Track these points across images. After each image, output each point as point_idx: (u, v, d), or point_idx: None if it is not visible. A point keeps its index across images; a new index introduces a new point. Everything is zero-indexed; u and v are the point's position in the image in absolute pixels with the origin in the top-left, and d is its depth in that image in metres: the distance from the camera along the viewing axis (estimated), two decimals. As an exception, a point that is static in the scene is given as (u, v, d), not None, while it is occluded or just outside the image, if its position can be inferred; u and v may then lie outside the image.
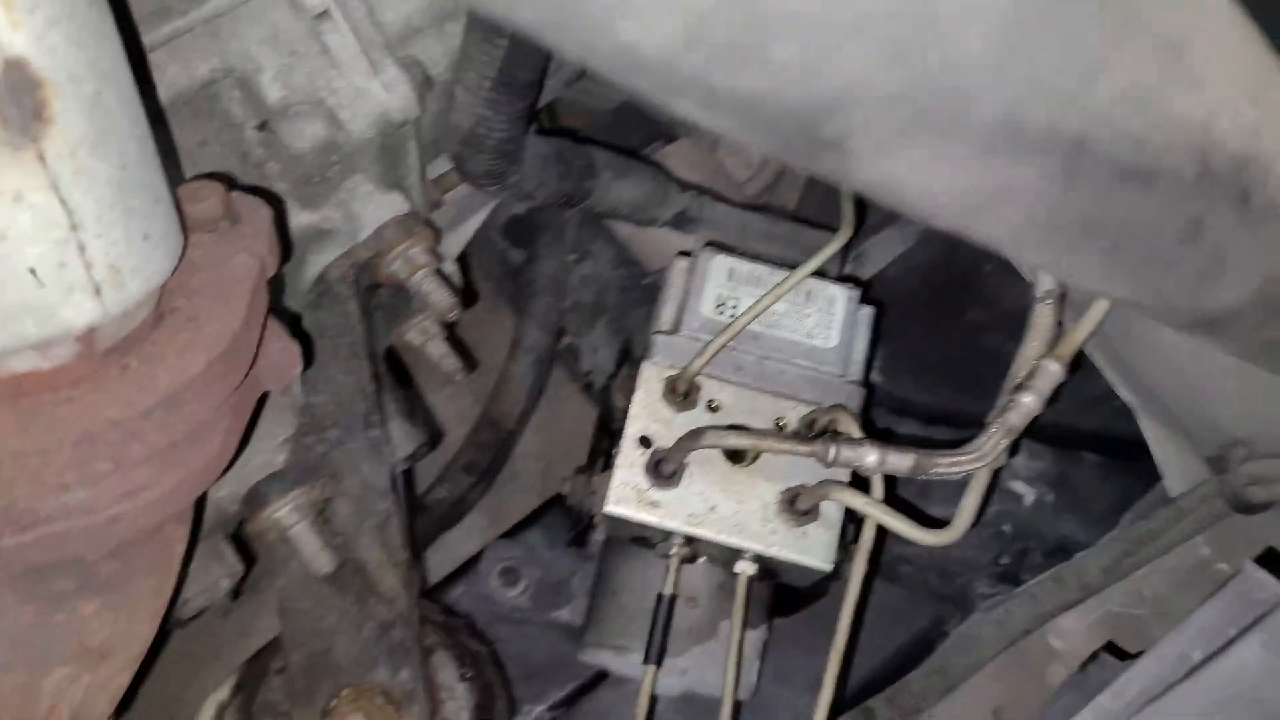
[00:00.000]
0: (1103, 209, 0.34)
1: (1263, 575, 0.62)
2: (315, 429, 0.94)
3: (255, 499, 0.93)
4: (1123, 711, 0.60)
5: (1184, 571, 1.04)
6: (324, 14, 0.80)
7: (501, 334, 1.39)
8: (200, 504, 0.82)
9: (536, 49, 0.84)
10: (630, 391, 1.17)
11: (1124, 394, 1.00)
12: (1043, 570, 1.16)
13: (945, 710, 1.05)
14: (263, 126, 0.85)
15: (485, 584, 1.16)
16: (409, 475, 1.14)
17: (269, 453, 0.94)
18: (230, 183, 0.69)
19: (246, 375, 0.64)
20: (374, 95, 0.83)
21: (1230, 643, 0.53)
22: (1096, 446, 1.25)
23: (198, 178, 0.68)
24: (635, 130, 1.34)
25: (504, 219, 1.30)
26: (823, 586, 1.10)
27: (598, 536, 1.19)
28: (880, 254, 1.28)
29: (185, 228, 0.62)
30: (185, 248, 0.61)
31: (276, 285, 0.70)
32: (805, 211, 1.32)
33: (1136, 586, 1.06)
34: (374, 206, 0.92)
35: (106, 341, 0.59)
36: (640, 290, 1.31)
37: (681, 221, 1.11)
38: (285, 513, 0.93)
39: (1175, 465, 1.00)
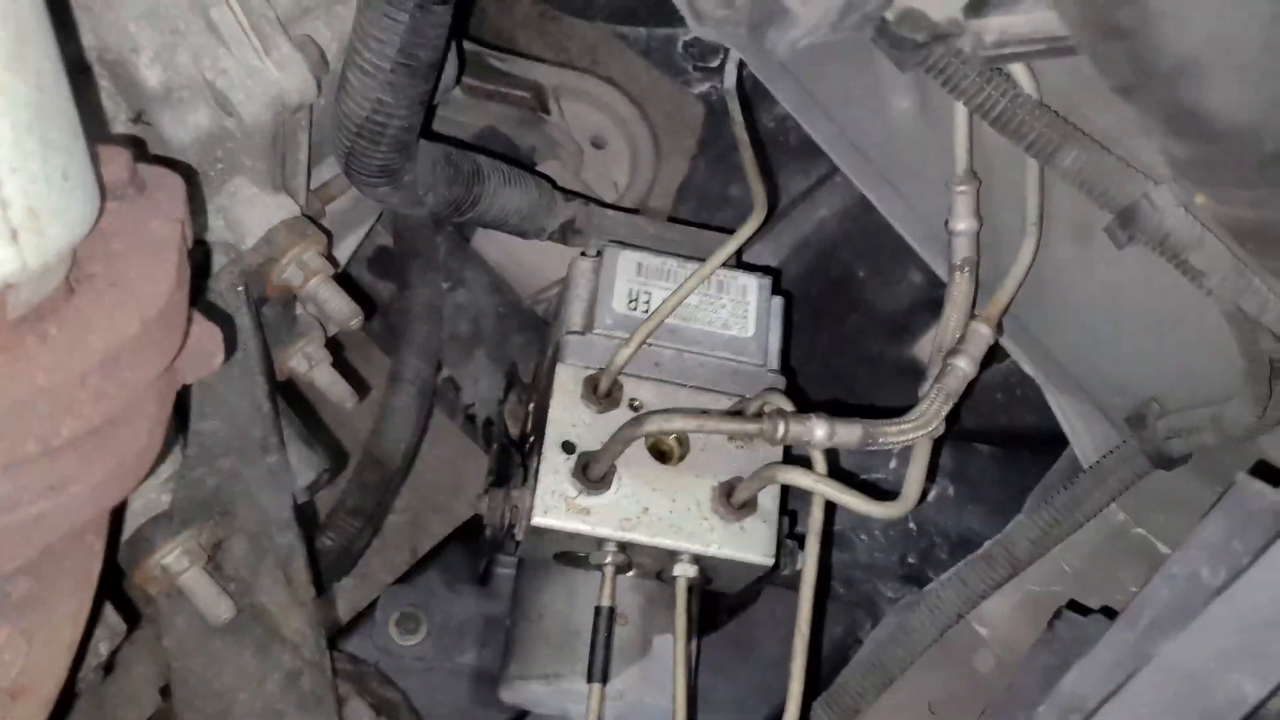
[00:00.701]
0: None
1: (1259, 485, 0.62)
2: (205, 460, 0.84)
3: (139, 545, 0.83)
4: (1144, 636, 0.58)
5: (1101, 541, 1.05)
6: (210, -14, 0.73)
7: (370, 375, 1.31)
8: (119, 515, 0.72)
9: (439, 24, 0.80)
10: (521, 415, 1.12)
11: (1029, 369, 1.01)
12: (947, 567, 1.15)
13: (882, 709, 1.02)
14: (138, 118, 0.77)
15: (382, 633, 1.07)
16: (310, 508, 1.05)
17: (151, 492, 0.85)
18: (136, 149, 0.61)
19: (179, 352, 0.56)
20: (268, 75, 0.76)
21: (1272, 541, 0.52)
22: (981, 441, 1.26)
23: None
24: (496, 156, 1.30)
25: (369, 251, 1.23)
26: (749, 593, 1.06)
27: (502, 570, 1.12)
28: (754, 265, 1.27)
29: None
30: (103, 205, 0.53)
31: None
32: (676, 230, 1.30)
33: (1055, 563, 1.06)
34: (260, 210, 0.84)
35: (16, 310, 0.50)
36: (518, 316, 1.26)
37: (568, 232, 1.06)
38: (174, 558, 0.84)
39: (1085, 435, 1.01)
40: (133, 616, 0.88)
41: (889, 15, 0.62)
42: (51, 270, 0.50)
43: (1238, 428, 0.81)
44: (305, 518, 0.90)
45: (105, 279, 0.53)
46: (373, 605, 1.08)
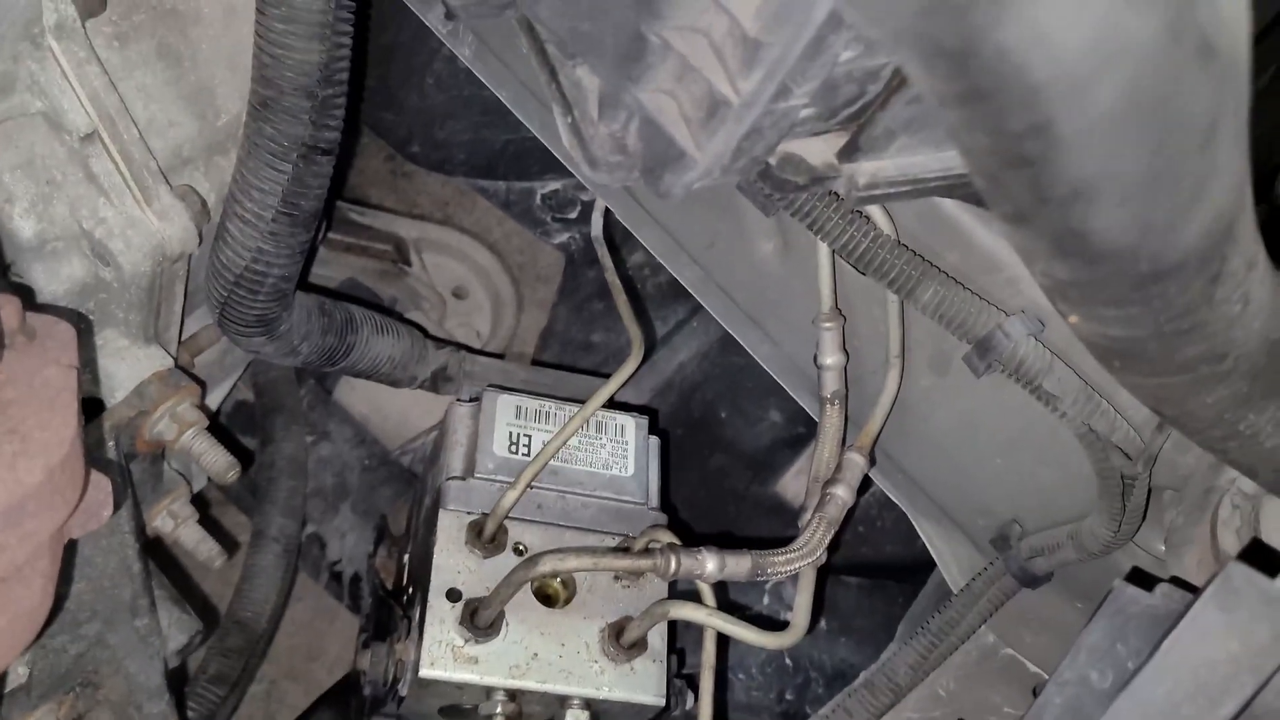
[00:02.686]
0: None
1: (1134, 590, 0.66)
2: (68, 626, 0.80)
3: (-8, 724, 0.77)
4: (1045, 741, 0.61)
5: (973, 664, 1.08)
6: (90, 136, 0.72)
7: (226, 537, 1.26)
8: None
9: (322, 174, 0.81)
10: (393, 569, 1.09)
11: (895, 497, 1.04)
12: (824, 701, 1.16)
13: None
14: (5, 270, 0.75)
15: (251, 809, 1.01)
16: (182, 671, 0.99)
17: (7, 663, 0.79)
18: (26, 299, 0.59)
19: (80, 499, 0.53)
20: (148, 225, 0.75)
21: (1181, 617, 0.55)
22: (846, 573, 1.29)
23: (-19, 291, 0.58)
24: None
25: (228, 407, 1.20)
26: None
27: (378, 733, 1.07)
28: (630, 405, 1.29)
29: (-7, 332, 0.52)
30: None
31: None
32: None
33: (932, 689, 1.08)
34: (131, 363, 0.82)
35: (-96, 462, 0.48)
36: (385, 468, 1.24)
37: (439, 380, 1.07)
38: (31, 736, 0.78)
39: (952, 560, 1.05)
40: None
41: (771, 160, 0.66)
42: (-56, 422, 0.48)
43: (1095, 543, 0.85)
44: (177, 683, 0.85)
45: (1, 427, 0.51)
46: (240, 778, 1.02)
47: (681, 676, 0.94)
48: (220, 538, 0.94)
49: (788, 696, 1.21)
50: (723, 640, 0.86)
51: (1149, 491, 0.82)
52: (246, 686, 1.09)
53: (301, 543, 1.17)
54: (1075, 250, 0.44)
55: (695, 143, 0.59)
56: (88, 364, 0.81)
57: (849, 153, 0.67)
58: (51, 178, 0.73)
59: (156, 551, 0.90)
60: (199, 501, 0.97)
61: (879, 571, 1.29)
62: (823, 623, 1.22)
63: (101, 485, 0.59)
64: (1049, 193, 0.40)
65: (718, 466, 1.32)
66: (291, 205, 0.80)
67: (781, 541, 0.87)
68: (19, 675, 0.79)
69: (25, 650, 0.80)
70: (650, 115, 0.61)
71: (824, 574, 1.24)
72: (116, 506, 0.60)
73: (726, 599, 0.92)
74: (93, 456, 0.80)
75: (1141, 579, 0.68)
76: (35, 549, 0.50)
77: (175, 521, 0.92)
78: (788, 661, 1.20)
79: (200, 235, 0.79)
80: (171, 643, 0.85)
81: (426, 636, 0.85)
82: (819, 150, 0.67)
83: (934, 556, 1.06)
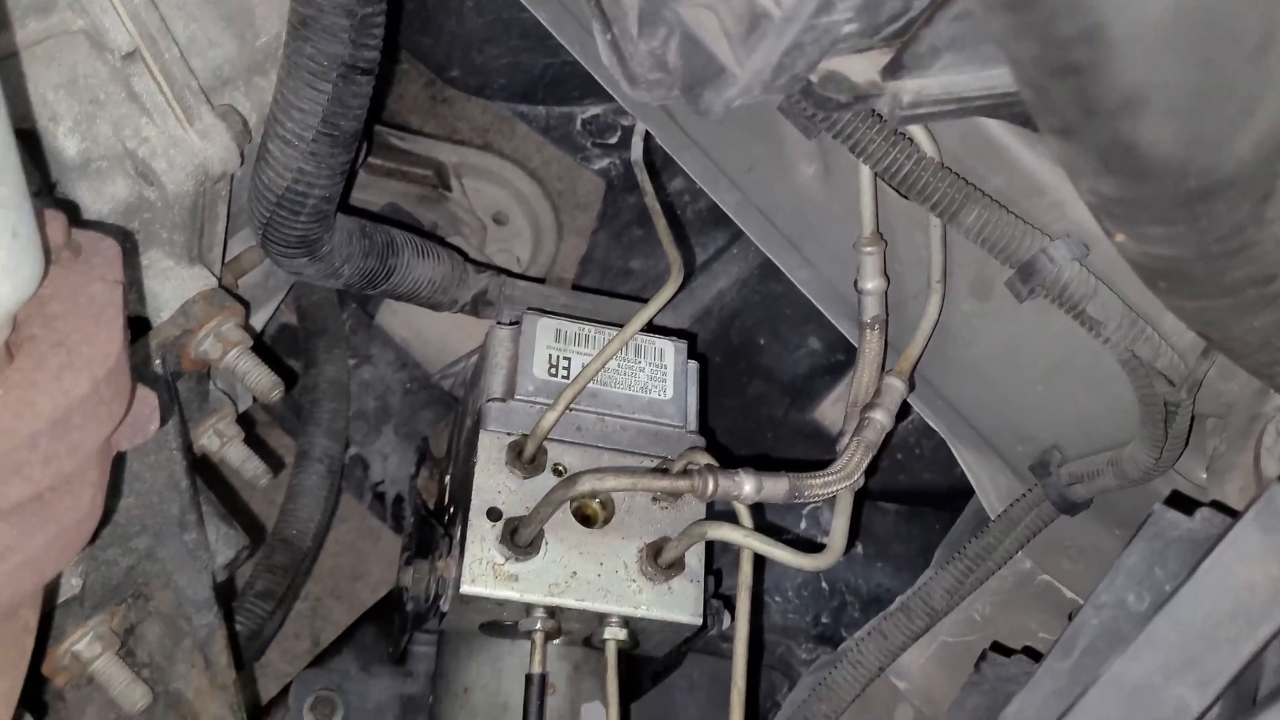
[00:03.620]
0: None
1: (1174, 514, 0.65)
2: (118, 539, 0.82)
3: (46, 633, 0.80)
4: (1080, 662, 0.61)
5: (1009, 590, 1.08)
6: (132, 55, 0.72)
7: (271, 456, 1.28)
8: (52, 592, 0.69)
9: (362, 94, 0.80)
10: (434, 490, 1.11)
11: (934, 423, 1.04)
12: (860, 625, 1.17)
13: (807, 770, 1.02)
14: (51, 189, 0.75)
15: (296, 720, 1.04)
16: (229, 586, 1.01)
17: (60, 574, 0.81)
18: (72, 215, 0.60)
19: (126, 413, 0.54)
20: (191, 144, 0.76)
21: (1219, 539, 0.55)
22: (884, 500, 1.30)
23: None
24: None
25: (272, 330, 1.22)
26: (674, 658, 1.06)
27: (418, 648, 1.10)
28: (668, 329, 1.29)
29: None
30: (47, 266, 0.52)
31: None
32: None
33: (967, 613, 1.09)
34: (175, 283, 0.83)
35: (-45, 373, 0.49)
36: (425, 391, 1.25)
37: (479, 304, 1.07)
38: (85, 644, 0.80)
39: (990, 486, 1.05)
40: (37, 708, 0.84)
41: (813, 77, 0.65)
42: (-3, 330, 0.49)
43: (1136, 470, 0.85)
44: (224, 597, 0.87)
45: (47, 341, 0.52)
46: (285, 691, 1.05)
47: (718, 597, 0.95)
48: (265, 457, 0.95)
49: (824, 620, 1.22)
50: (759, 562, 0.87)
51: (1192, 418, 0.81)
52: (292, 603, 1.12)
53: (345, 464, 1.19)
54: (1123, 165, 0.44)
55: (736, 58, 0.58)
56: (133, 283, 0.82)
57: (893, 70, 0.66)
58: (94, 96, 0.73)
59: (203, 470, 0.92)
60: (244, 422, 0.98)
61: (916, 499, 1.29)
62: (859, 548, 1.23)
63: (148, 400, 0.60)
64: (1097, 103, 0.39)
65: (756, 394, 1.32)
66: (332, 125, 0.80)
67: (819, 465, 0.87)
68: (72, 586, 0.81)
69: (76, 560, 0.82)
70: (690, 30, 0.61)
71: (860, 500, 1.25)
72: (163, 421, 0.61)
73: (764, 522, 0.93)
74: (139, 373, 0.81)
75: (1182, 503, 0.68)
76: (83, 460, 0.51)
77: (221, 440, 0.93)
78: (824, 585, 1.21)
79: (242, 155, 0.80)
80: (219, 557, 0.87)
81: (467, 554, 0.86)
82: (862, 68, 0.66)
83: (972, 483, 1.06)
